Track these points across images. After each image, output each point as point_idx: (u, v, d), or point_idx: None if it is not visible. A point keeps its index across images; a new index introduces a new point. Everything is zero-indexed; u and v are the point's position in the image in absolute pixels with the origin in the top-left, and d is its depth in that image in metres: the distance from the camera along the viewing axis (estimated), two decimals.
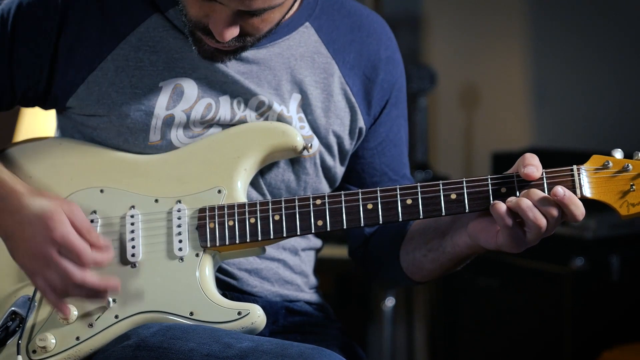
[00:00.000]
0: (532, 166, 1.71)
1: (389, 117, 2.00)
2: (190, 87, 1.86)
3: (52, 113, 2.00)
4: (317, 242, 2.06)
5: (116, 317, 1.79)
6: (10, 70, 1.87)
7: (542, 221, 1.69)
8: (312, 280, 2.04)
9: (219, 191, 1.82)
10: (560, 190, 1.69)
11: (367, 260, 2.04)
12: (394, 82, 1.99)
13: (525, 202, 1.69)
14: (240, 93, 1.87)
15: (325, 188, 1.96)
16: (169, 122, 1.86)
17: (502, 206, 1.70)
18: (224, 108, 1.87)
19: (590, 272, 3.43)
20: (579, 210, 1.70)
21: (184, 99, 1.86)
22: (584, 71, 4.13)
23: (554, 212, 1.69)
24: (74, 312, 1.80)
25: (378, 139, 1.99)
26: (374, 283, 2.09)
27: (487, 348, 3.76)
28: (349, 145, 1.95)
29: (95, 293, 1.73)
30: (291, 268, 1.99)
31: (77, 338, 1.79)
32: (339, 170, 1.97)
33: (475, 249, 1.80)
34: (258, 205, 1.79)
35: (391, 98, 1.99)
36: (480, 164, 4.34)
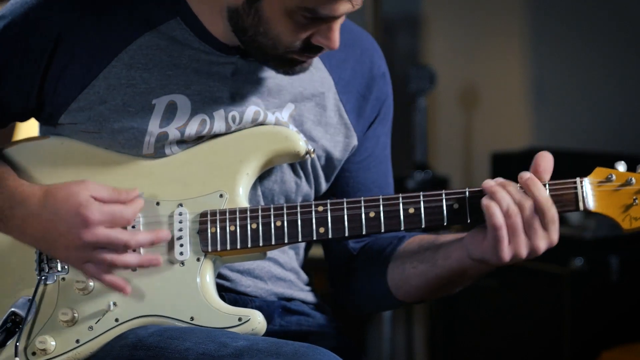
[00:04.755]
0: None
1: (375, 134, 1.99)
2: (183, 104, 1.85)
3: None
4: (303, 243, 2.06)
5: (116, 320, 1.78)
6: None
7: (510, 207, 1.68)
8: (304, 276, 2.04)
9: (221, 195, 1.81)
10: (526, 174, 1.70)
11: (350, 278, 2.01)
12: (384, 99, 1.99)
13: (497, 187, 1.69)
14: (235, 107, 1.86)
15: (312, 196, 1.95)
16: (162, 139, 1.84)
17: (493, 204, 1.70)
18: (219, 123, 1.85)
19: (589, 273, 3.43)
20: (542, 194, 1.69)
21: (177, 116, 1.84)
22: (583, 71, 4.13)
23: (521, 195, 1.69)
24: (74, 313, 1.80)
25: (364, 154, 1.98)
26: (353, 310, 2.04)
27: (486, 348, 3.76)
28: (337, 161, 1.95)
29: (148, 258, 1.75)
30: (282, 265, 1.98)
31: (77, 341, 1.79)
32: (323, 183, 1.96)
33: (464, 265, 1.78)
34: (260, 211, 1.78)
35: (380, 114, 1.98)
36: (479, 164, 4.34)
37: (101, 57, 1.84)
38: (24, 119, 1.93)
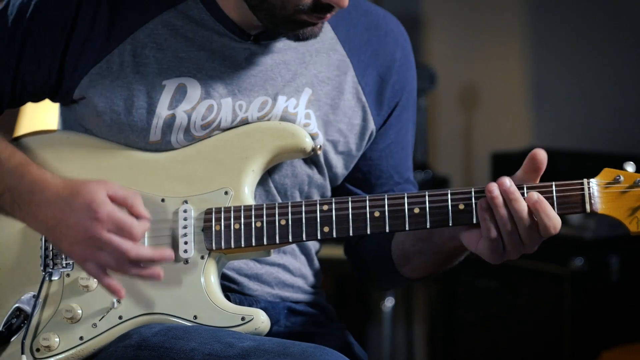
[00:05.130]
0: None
1: (399, 120, 1.98)
2: (193, 88, 1.85)
3: (54, 105, 1.98)
4: (315, 244, 2.05)
5: (120, 317, 1.78)
6: (19, 67, 1.86)
7: (507, 225, 1.67)
8: (312, 279, 2.04)
9: (226, 192, 1.81)
10: (534, 195, 1.67)
11: (361, 255, 2.02)
12: (406, 84, 1.98)
13: (499, 200, 1.68)
14: (244, 95, 1.86)
15: (327, 186, 1.95)
16: (169, 122, 1.84)
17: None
18: (226, 110, 1.86)
19: (589, 273, 3.44)
20: (551, 222, 1.67)
21: (186, 99, 1.85)
22: (583, 71, 4.13)
23: (524, 215, 1.67)
24: (77, 310, 1.79)
25: (387, 141, 1.98)
26: (367, 284, 2.07)
27: (487, 348, 3.76)
28: (354, 145, 1.94)
29: (149, 272, 1.72)
30: (291, 272, 1.98)
31: (81, 338, 1.78)
32: (340, 170, 1.95)
33: (457, 245, 1.78)
34: (264, 209, 1.78)
35: (402, 100, 1.97)
36: (479, 164, 4.34)
37: (118, 33, 1.84)
38: (40, 98, 1.92)
